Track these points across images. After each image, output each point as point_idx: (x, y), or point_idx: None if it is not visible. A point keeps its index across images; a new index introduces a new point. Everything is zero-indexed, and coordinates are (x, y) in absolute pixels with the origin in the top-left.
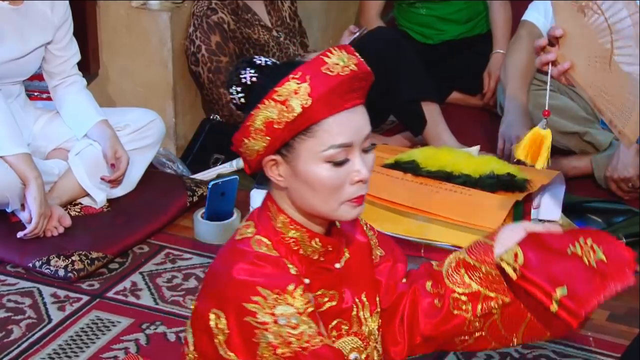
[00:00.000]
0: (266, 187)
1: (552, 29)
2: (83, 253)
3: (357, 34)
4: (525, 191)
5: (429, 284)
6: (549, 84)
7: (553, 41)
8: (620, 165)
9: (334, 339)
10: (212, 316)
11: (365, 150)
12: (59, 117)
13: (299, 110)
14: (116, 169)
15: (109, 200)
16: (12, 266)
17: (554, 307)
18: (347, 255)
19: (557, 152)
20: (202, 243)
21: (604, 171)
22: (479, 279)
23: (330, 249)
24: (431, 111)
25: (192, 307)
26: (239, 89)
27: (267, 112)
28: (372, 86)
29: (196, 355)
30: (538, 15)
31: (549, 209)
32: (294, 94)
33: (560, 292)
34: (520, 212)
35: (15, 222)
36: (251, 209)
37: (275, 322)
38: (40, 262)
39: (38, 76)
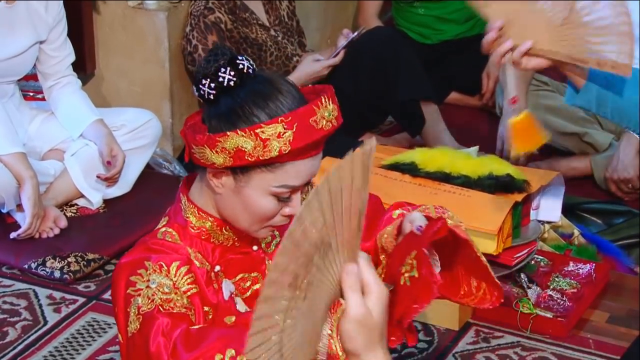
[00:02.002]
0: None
1: (490, 24)
2: (79, 254)
3: (351, 37)
4: (525, 192)
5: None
6: (512, 74)
7: (500, 33)
8: (620, 166)
9: None
10: (113, 306)
11: (303, 189)
12: (54, 118)
13: (275, 154)
14: (112, 167)
15: (105, 201)
16: (8, 267)
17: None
18: (278, 238)
19: (556, 152)
20: None
21: (603, 172)
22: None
23: (244, 234)
24: (430, 111)
25: None
26: (212, 84)
27: (242, 141)
28: (371, 86)
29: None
30: None
31: (548, 210)
32: (277, 137)
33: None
34: (519, 213)
35: (11, 223)
36: None
37: (148, 287)
38: (36, 264)
39: (33, 76)
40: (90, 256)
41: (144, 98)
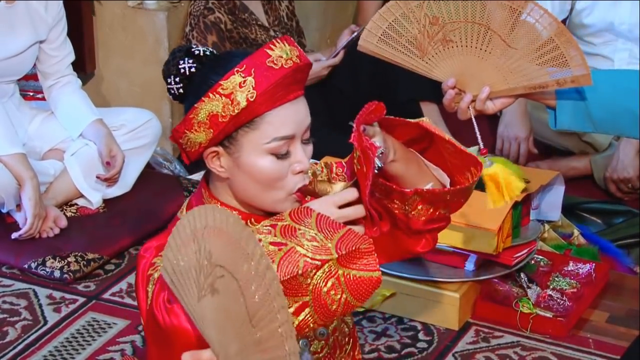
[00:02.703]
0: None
1: (444, 84)
2: (79, 254)
3: (356, 33)
4: (525, 192)
5: None
6: (476, 125)
7: (456, 90)
8: (619, 166)
9: None
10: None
11: (304, 142)
12: (54, 118)
13: (244, 104)
14: (111, 167)
15: (105, 201)
16: (8, 267)
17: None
18: None
19: (556, 152)
20: None
21: (603, 172)
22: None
23: None
24: (430, 111)
25: None
26: (177, 79)
27: (211, 106)
28: (370, 87)
29: None
30: None
31: (548, 210)
32: (239, 87)
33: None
34: (519, 212)
35: (11, 223)
36: None
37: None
38: (36, 263)
39: (33, 76)
40: (90, 256)
41: (144, 98)
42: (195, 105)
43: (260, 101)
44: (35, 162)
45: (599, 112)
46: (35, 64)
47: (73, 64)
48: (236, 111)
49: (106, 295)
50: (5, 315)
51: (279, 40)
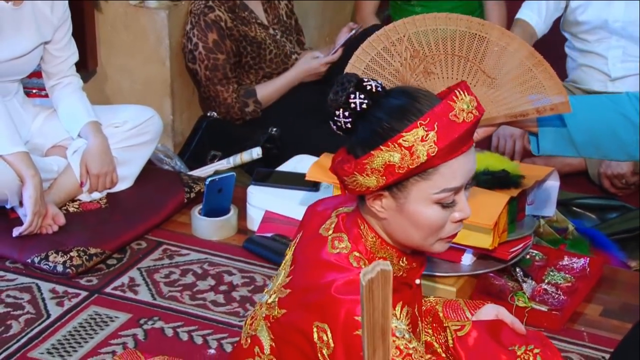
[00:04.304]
0: (265, 184)
1: None
2: (81, 249)
3: (354, 32)
4: (520, 188)
5: None
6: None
7: None
8: (613, 162)
9: None
10: (315, 329)
11: (466, 187)
12: (57, 115)
13: (424, 158)
14: (91, 188)
15: (107, 196)
16: (11, 262)
17: None
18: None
19: None
20: (200, 239)
21: (597, 168)
22: (438, 335)
23: (415, 265)
24: None
25: (274, 313)
26: (346, 113)
27: (388, 155)
28: None
29: (272, 359)
30: (531, 13)
31: (543, 206)
32: (421, 141)
33: None
34: (514, 208)
35: (14, 218)
36: (248, 206)
37: (392, 334)
38: (39, 258)
39: (37, 73)
40: (92, 251)
41: (146, 95)
42: (372, 152)
43: (439, 155)
44: (39, 159)
45: (581, 136)
46: (39, 63)
47: (76, 62)
48: (415, 165)
49: (108, 290)
50: (9, 309)
51: (461, 91)
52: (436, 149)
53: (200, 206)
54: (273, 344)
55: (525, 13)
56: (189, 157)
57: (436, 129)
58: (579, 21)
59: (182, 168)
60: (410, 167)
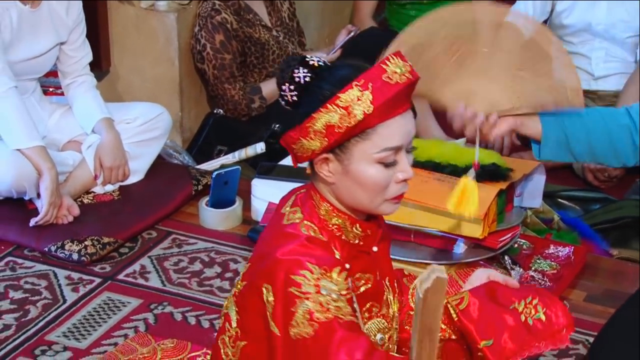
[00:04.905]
0: (269, 177)
1: (458, 110)
2: (95, 238)
3: (353, 33)
4: (509, 180)
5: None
6: (478, 141)
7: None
8: None
9: (365, 320)
10: (264, 290)
11: (408, 151)
12: (72, 112)
13: (360, 117)
14: (105, 181)
15: (120, 189)
16: (29, 250)
17: (479, 354)
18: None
19: None
20: (207, 229)
21: (581, 162)
22: None
23: (369, 232)
24: (420, 106)
25: (238, 287)
26: (291, 87)
27: (328, 116)
28: None
29: (237, 332)
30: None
31: (530, 197)
32: (357, 100)
33: (484, 344)
34: (503, 200)
35: (32, 209)
36: (252, 198)
37: (318, 292)
38: (55, 247)
39: (53, 73)
40: (106, 240)
41: (156, 93)
42: (313, 115)
43: (375, 114)
44: (55, 154)
45: (580, 147)
46: (56, 63)
47: (90, 62)
48: (352, 123)
49: (121, 276)
50: (27, 295)
51: (393, 56)
52: (372, 108)
53: (207, 198)
54: (238, 317)
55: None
56: (197, 152)
57: (370, 89)
58: (564, 24)
59: (190, 162)
60: (349, 126)
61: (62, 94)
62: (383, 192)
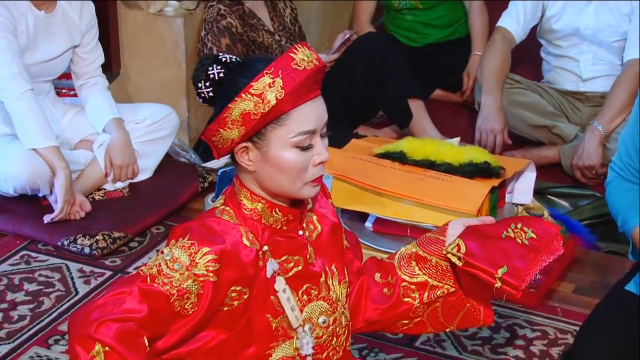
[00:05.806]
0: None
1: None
2: (106, 233)
3: (348, 35)
4: (501, 178)
5: (377, 275)
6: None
7: None
8: (584, 155)
9: (305, 302)
10: None
11: (322, 136)
12: (84, 112)
13: (273, 102)
14: (115, 178)
15: (129, 185)
16: (43, 245)
17: (497, 284)
18: (319, 229)
19: (528, 143)
20: None
21: (570, 160)
22: (428, 270)
23: (292, 217)
24: (416, 107)
25: None
26: (207, 84)
27: (243, 105)
28: (364, 85)
29: None
30: (510, 22)
31: (521, 194)
32: (269, 87)
33: (501, 271)
34: (495, 196)
35: (46, 205)
36: None
37: (163, 252)
38: (68, 241)
39: (67, 75)
40: (116, 234)
41: (164, 95)
42: (229, 105)
43: (287, 99)
44: (68, 152)
45: None
46: (69, 65)
47: (101, 65)
48: (266, 109)
49: (130, 269)
50: (41, 287)
51: (300, 46)
52: (283, 93)
53: (213, 194)
54: None
55: (505, 21)
56: (203, 151)
57: (281, 75)
58: (553, 29)
59: (197, 160)
60: (264, 112)
61: (75, 95)
62: (302, 175)
